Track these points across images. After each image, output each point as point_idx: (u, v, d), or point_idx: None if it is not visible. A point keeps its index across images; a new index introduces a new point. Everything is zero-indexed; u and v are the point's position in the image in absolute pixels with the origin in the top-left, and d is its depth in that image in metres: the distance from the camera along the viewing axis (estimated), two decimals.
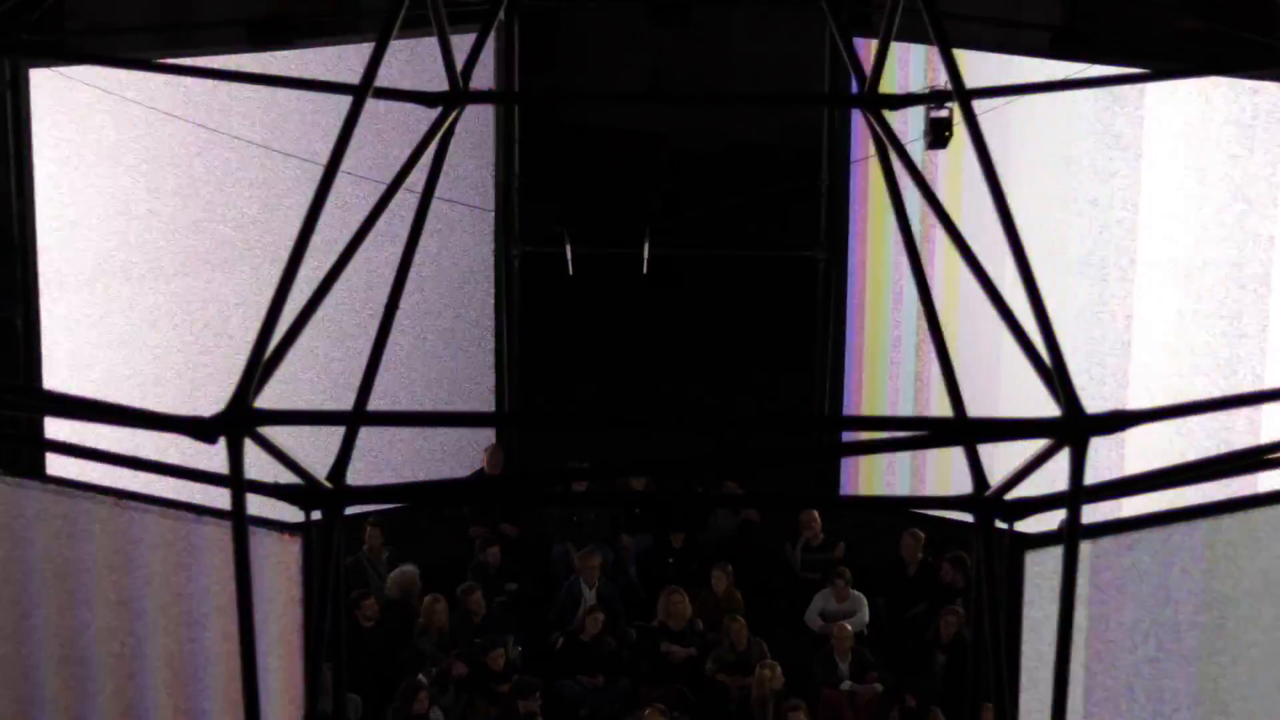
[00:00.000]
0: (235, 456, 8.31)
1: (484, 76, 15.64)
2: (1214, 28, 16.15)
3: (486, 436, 16.61)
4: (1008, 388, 15.43)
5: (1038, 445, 8.53)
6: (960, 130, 11.68)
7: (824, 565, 15.67)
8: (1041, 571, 8.84)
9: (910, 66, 15.65)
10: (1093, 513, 8.82)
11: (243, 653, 8.58)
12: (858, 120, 15.96)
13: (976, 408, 10.83)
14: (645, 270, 16.68)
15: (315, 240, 9.34)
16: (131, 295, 15.14)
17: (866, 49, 13.99)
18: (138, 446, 9.84)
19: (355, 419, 10.19)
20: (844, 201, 16.43)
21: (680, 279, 19.80)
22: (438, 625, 14.65)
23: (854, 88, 12.37)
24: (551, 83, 22.32)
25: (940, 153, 14.02)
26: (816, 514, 15.91)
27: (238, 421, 8.32)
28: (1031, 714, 8.90)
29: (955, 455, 10.67)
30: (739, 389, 19.07)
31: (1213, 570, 9.16)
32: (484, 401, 16.77)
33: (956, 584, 15.01)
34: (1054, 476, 8.55)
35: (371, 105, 10.53)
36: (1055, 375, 8.66)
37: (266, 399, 8.57)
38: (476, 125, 16.22)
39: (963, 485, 9.75)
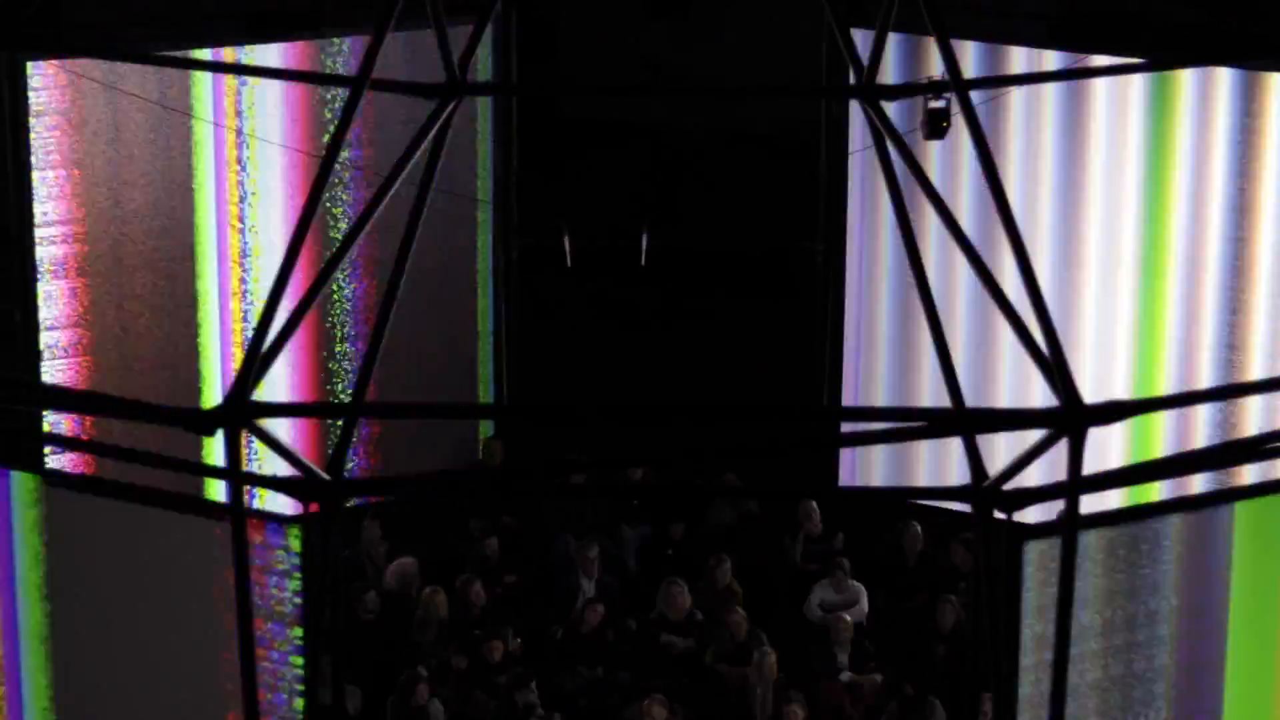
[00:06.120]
0: (233, 449, 8.31)
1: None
2: (1212, 18, 16.15)
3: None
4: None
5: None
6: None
7: (823, 556, 15.66)
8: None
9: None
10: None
11: (240, 646, 8.59)
12: (858, 111, 15.95)
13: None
14: (643, 262, 16.65)
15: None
16: (128, 287, 15.12)
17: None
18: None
19: (353, 410, 10.20)
20: (842, 193, 16.40)
21: (678, 270, 19.77)
22: (437, 617, 14.64)
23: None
24: (549, 75, 22.28)
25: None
26: (816, 505, 15.89)
27: (236, 414, 8.31)
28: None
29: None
30: (737, 381, 19.05)
31: None
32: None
33: (965, 566, 14.97)
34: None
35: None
36: (1054, 366, 8.67)
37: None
38: (474, 119, 16.22)
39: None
